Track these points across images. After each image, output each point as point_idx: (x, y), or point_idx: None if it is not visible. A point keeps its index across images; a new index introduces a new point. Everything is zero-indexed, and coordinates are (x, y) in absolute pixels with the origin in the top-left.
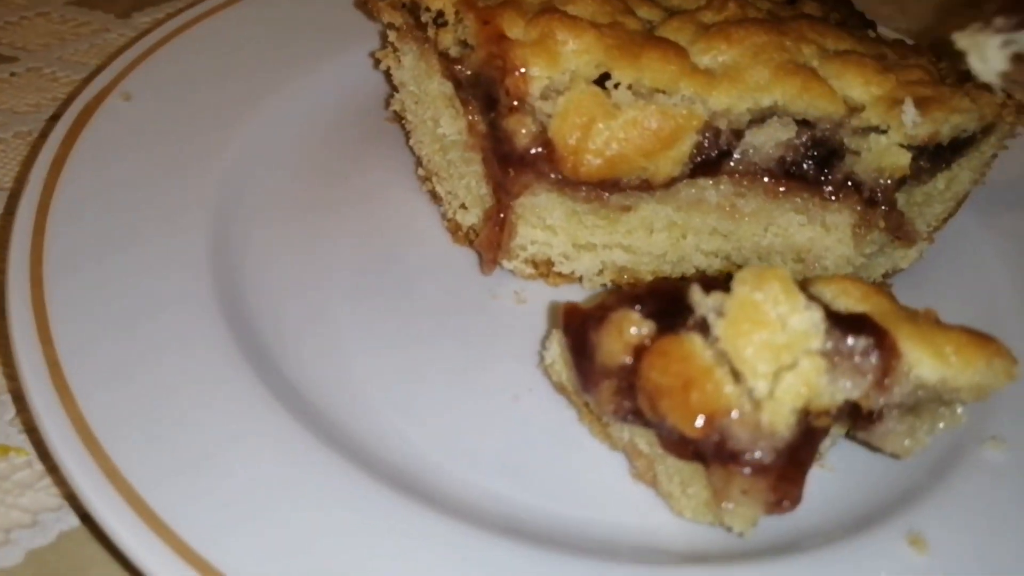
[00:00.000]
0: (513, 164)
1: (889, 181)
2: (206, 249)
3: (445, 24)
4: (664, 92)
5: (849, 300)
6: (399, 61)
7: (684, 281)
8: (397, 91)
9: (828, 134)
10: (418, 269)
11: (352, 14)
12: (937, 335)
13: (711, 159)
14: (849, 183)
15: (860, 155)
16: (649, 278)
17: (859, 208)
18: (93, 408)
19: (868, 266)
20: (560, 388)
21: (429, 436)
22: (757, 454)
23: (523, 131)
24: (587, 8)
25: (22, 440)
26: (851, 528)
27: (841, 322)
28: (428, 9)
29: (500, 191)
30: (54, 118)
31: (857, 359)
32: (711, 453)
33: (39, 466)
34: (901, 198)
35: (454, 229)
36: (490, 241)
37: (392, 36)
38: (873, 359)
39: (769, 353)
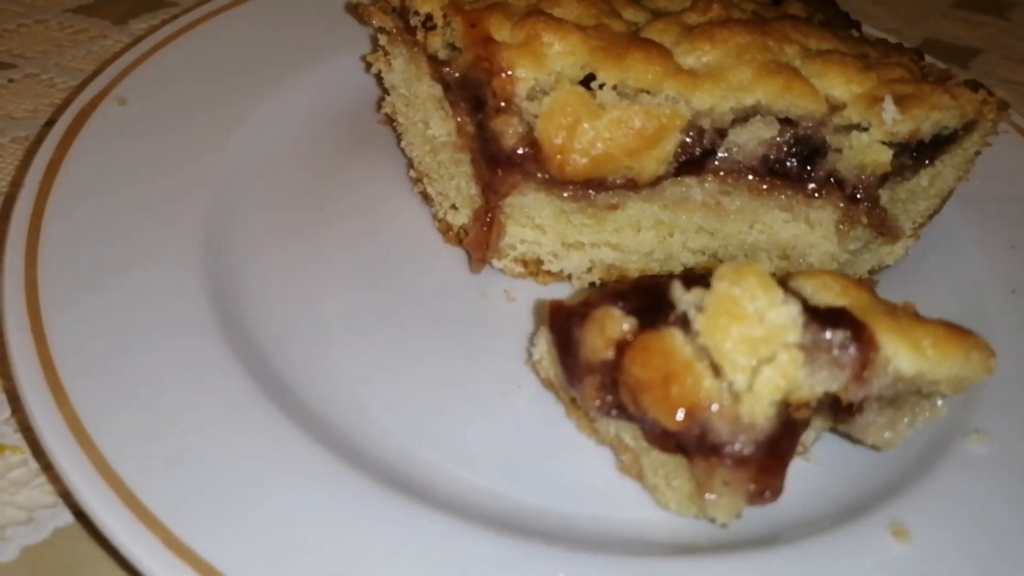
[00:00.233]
0: (501, 164)
1: (871, 178)
2: (199, 249)
3: (434, 27)
4: (648, 92)
5: (829, 294)
6: (389, 64)
7: (667, 277)
8: (388, 94)
9: (810, 132)
10: (409, 269)
11: (343, 19)
12: (915, 328)
13: (695, 158)
14: (832, 180)
15: (842, 152)
16: (637, 276)
17: (842, 205)
18: (86, 407)
19: (853, 263)
20: (548, 384)
21: (419, 432)
22: (737, 446)
23: (510, 132)
24: (572, 11)
25: (18, 439)
26: (835, 519)
27: (819, 316)
28: (417, 13)
29: (488, 191)
30: (50, 123)
31: (835, 352)
32: (693, 446)
33: (34, 464)
34: (885, 195)
35: (445, 229)
36: (478, 241)
37: (382, 40)
38: (851, 352)
39: (748, 347)
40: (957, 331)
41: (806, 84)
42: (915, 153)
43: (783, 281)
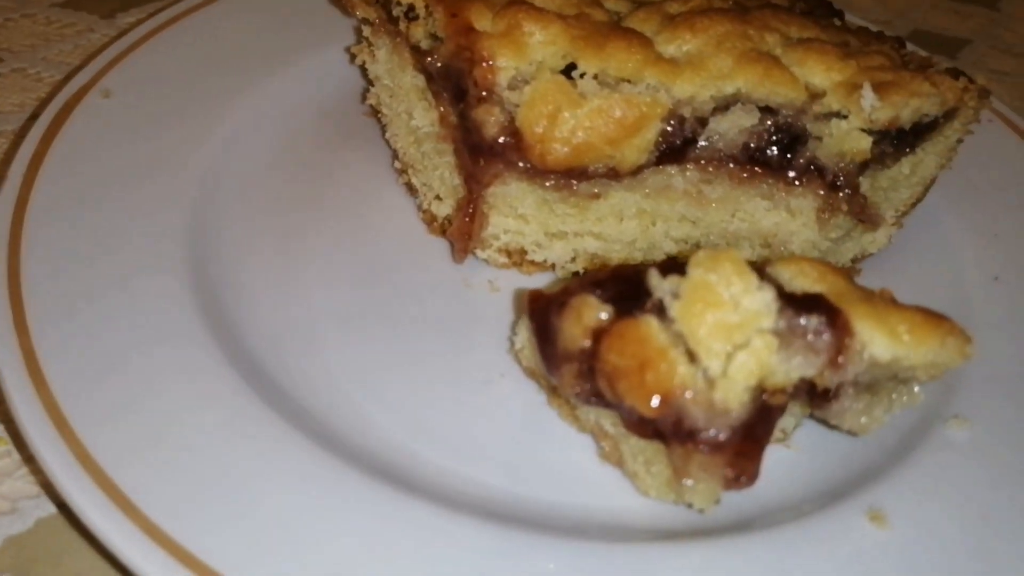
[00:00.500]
0: (483, 154)
1: (851, 165)
2: (184, 240)
3: (416, 18)
4: (629, 81)
5: (806, 280)
6: (373, 56)
7: (645, 265)
8: (372, 85)
9: (790, 120)
10: (394, 259)
11: (328, 10)
12: (891, 314)
13: (676, 146)
14: (812, 168)
15: (822, 140)
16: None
17: (822, 193)
18: (68, 398)
19: (836, 251)
20: (530, 372)
21: (403, 421)
22: (713, 432)
23: (491, 121)
24: (554, 0)
25: (1, 430)
26: (814, 505)
27: (794, 302)
28: (399, 3)
29: (471, 181)
30: (34, 117)
31: (810, 338)
32: (669, 432)
33: (17, 455)
34: (866, 183)
35: (429, 220)
36: (461, 231)
37: (366, 31)
38: (826, 338)
39: (722, 333)
40: (933, 317)
41: (786, 72)
42: (895, 141)
43: (761, 268)
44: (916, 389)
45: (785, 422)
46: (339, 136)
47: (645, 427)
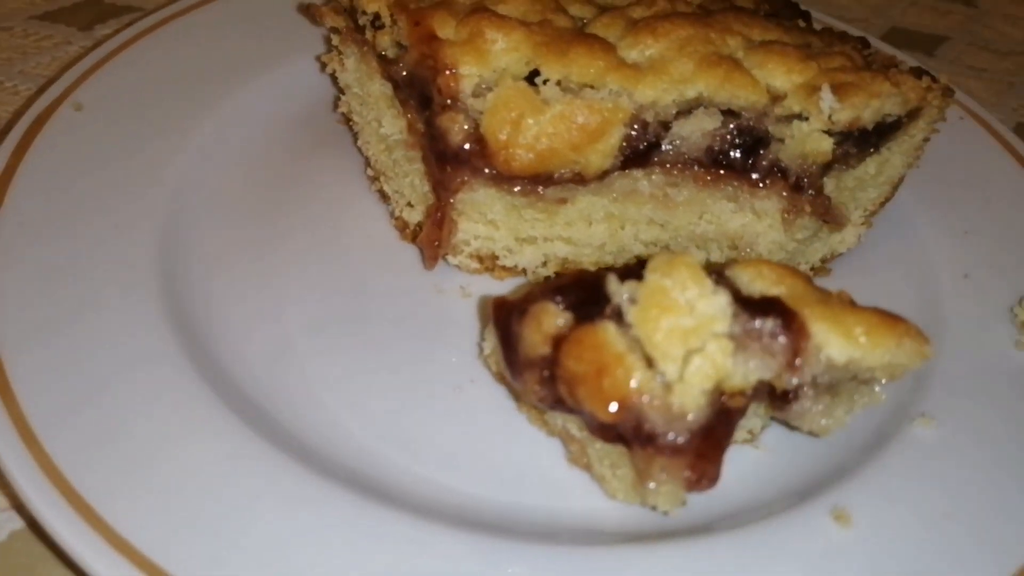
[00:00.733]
0: (449, 161)
1: (814, 167)
2: (156, 251)
3: (382, 27)
4: (592, 87)
5: (764, 283)
6: (343, 64)
7: (605, 271)
8: (343, 93)
9: (753, 123)
10: (367, 266)
11: (298, 20)
12: (848, 316)
13: (640, 151)
14: (776, 170)
15: (784, 142)
16: (591, 269)
17: (786, 194)
18: (36, 413)
19: (804, 251)
20: (499, 378)
21: (375, 428)
22: (671, 436)
23: (456, 129)
24: (517, 7)
25: None
26: (779, 505)
27: (751, 305)
28: (365, 12)
29: (439, 188)
30: (6, 131)
31: (766, 340)
32: (630, 436)
33: None
34: (831, 183)
35: (401, 227)
36: (430, 238)
37: (335, 40)
38: (782, 340)
39: (678, 337)
40: (889, 319)
41: (746, 75)
42: (859, 141)
43: (720, 270)
44: (877, 389)
45: (752, 423)
46: (312, 145)
47: (607, 431)
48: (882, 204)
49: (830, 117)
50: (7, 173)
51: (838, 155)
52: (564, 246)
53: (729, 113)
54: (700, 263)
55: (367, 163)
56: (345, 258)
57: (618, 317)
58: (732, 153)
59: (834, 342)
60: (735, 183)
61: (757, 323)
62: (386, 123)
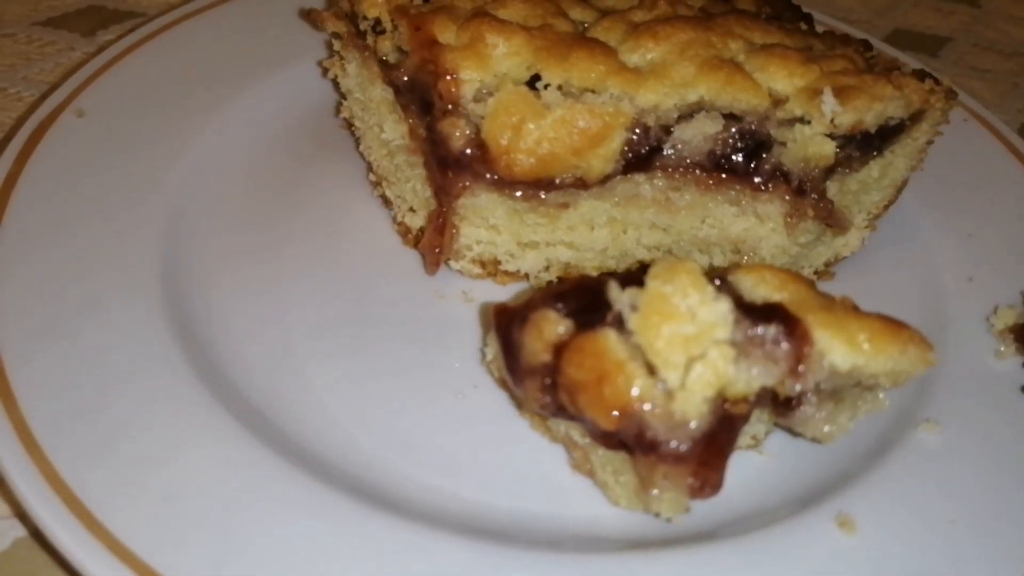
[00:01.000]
0: (450, 166)
1: (816, 170)
2: (158, 257)
3: (383, 32)
4: (593, 91)
5: (767, 288)
6: (344, 69)
7: (607, 277)
8: (345, 98)
9: (755, 126)
10: (369, 272)
11: (300, 25)
12: (851, 323)
13: (642, 155)
14: (778, 174)
15: (786, 146)
16: (595, 273)
17: (788, 198)
18: (38, 419)
19: (807, 255)
20: (502, 384)
21: (376, 434)
22: (673, 443)
23: (457, 134)
24: (518, 12)
25: None
26: (784, 512)
27: (753, 312)
28: (366, 18)
29: (440, 193)
30: (8, 138)
31: (769, 347)
32: (632, 444)
33: None
34: (834, 187)
35: (404, 232)
36: (431, 243)
37: (337, 45)
38: (784, 347)
39: (680, 344)
40: (893, 325)
41: (748, 79)
42: (861, 144)
43: (722, 276)
44: (881, 396)
45: (755, 429)
46: (314, 150)
47: (609, 439)
48: (886, 207)
49: (832, 120)
50: (10, 180)
51: (841, 158)
52: (566, 251)
53: (731, 117)
54: (701, 269)
55: (369, 168)
56: (347, 263)
57: (619, 324)
58: (734, 157)
59: (837, 349)
60: (737, 187)
61: (760, 329)
62: (387, 128)
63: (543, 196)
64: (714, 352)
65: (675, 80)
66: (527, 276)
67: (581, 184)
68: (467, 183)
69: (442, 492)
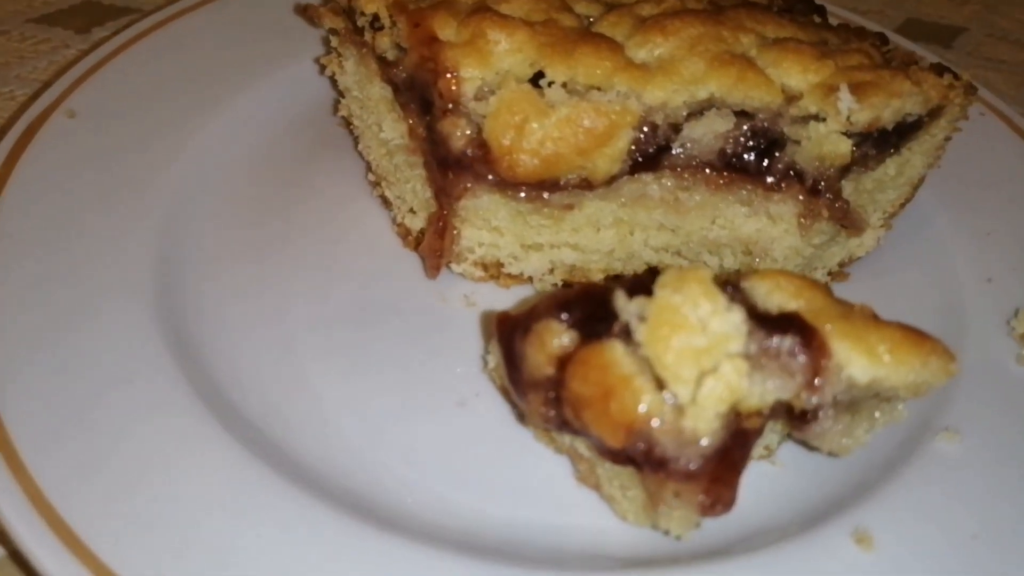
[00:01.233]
0: (451, 167)
1: (831, 169)
2: (154, 263)
3: (381, 28)
4: (599, 88)
5: (782, 296)
6: (342, 67)
7: (614, 284)
8: (343, 96)
9: (767, 124)
10: (369, 274)
11: (295, 21)
12: (871, 333)
13: (650, 154)
14: (791, 173)
15: (800, 144)
16: (600, 276)
17: (802, 198)
18: (29, 445)
19: (821, 256)
20: (504, 393)
21: (376, 445)
22: (684, 460)
23: (458, 133)
24: (521, 6)
25: None
26: (798, 526)
27: (768, 322)
28: (363, 14)
29: (440, 195)
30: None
31: (785, 359)
32: (640, 460)
33: None
34: (849, 186)
35: (404, 233)
36: (431, 247)
37: (334, 41)
38: (801, 359)
39: (690, 357)
40: (915, 335)
41: (760, 75)
42: (878, 142)
43: (735, 283)
44: (900, 407)
45: (769, 439)
46: (312, 149)
47: (616, 454)
48: (902, 205)
49: (848, 118)
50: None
51: (857, 157)
52: (571, 252)
53: (742, 114)
54: (712, 276)
55: (368, 168)
56: (346, 267)
57: (626, 335)
58: (746, 156)
59: (856, 361)
60: (749, 187)
61: (775, 341)
62: (386, 127)
63: (547, 197)
64: (727, 366)
65: (684, 76)
66: (531, 279)
67: (586, 185)
68: (468, 184)
69: (443, 506)
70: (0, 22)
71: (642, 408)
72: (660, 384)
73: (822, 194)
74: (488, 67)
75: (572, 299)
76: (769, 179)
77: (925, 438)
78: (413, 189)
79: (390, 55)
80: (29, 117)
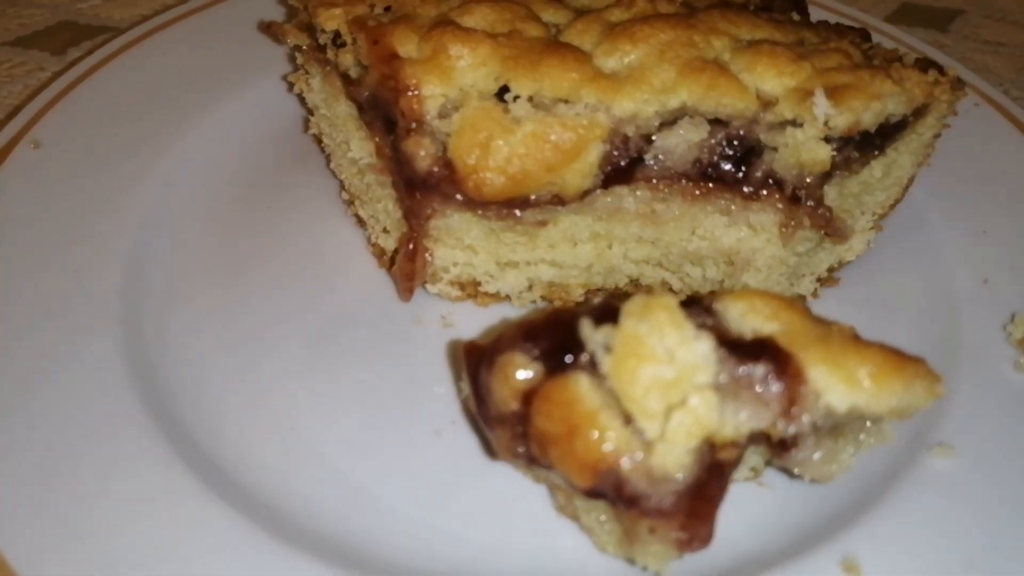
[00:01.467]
0: (418, 187)
1: (811, 176)
2: (121, 297)
3: (344, 45)
4: (567, 101)
5: (757, 318)
6: (308, 84)
7: (582, 311)
8: (312, 114)
9: (742, 131)
10: (343, 298)
11: (260, 40)
12: (850, 357)
13: (622, 167)
14: (770, 181)
15: (778, 151)
16: (580, 291)
17: (782, 206)
18: None
19: (808, 263)
20: (475, 424)
21: (349, 480)
22: (655, 499)
23: (422, 153)
24: (485, 18)
25: None
26: (785, 555)
27: (740, 348)
28: (324, 31)
29: (409, 215)
30: None
31: (758, 388)
32: (611, 498)
33: None
34: (833, 190)
35: (379, 253)
36: (403, 270)
37: (300, 58)
38: (775, 388)
39: (658, 390)
40: (896, 358)
41: (733, 80)
42: (861, 145)
43: (708, 304)
44: (886, 427)
45: (754, 460)
46: (286, 168)
47: (588, 490)
48: (892, 206)
49: (826, 123)
50: None
51: (838, 162)
52: (549, 269)
53: (716, 122)
54: (679, 303)
55: (341, 186)
56: (320, 289)
57: (592, 367)
58: (722, 165)
59: (835, 388)
60: (727, 196)
61: (747, 369)
62: (354, 146)
63: (518, 214)
64: (695, 398)
65: (654, 85)
66: (508, 297)
67: (558, 200)
68: (436, 204)
69: (418, 541)
70: None
71: (608, 447)
72: (628, 418)
73: (803, 201)
74: (451, 83)
75: (538, 327)
76: (747, 188)
77: (917, 454)
78: (385, 208)
79: (353, 73)
80: None
